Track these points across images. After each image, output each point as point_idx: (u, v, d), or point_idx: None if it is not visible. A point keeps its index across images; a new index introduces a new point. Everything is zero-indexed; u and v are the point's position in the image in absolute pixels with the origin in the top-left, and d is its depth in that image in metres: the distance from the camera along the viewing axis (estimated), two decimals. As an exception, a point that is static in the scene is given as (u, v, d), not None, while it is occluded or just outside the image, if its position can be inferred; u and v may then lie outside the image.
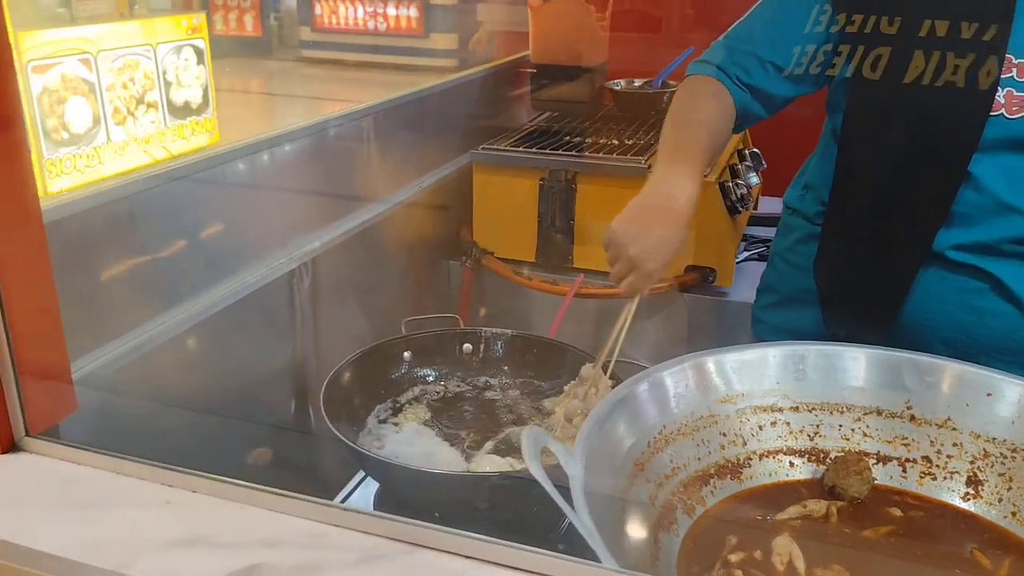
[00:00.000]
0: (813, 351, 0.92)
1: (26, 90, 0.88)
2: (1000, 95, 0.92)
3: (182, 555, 0.53)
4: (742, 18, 1.12)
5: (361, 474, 1.08)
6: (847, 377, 0.92)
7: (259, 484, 0.59)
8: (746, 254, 1.66)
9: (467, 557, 0.52)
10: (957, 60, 0.91)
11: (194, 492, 0.60)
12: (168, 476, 0.62)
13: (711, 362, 0.89)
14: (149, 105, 1.06)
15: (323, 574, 0.51)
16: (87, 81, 0.96)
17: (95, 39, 0.98)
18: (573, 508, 0.65)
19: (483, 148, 1.68)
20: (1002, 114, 0.92)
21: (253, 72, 2.14)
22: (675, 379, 0.87)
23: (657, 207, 1.00)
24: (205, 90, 1.15)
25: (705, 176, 1.04)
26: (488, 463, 1.04)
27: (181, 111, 1.12)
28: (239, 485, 0.58)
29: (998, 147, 0.93)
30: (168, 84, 1.09)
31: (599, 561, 0.58)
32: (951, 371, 0.89)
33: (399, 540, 0.53)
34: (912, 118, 0.96)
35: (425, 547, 0.53)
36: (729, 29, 1.12)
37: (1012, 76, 0.91)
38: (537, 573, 0.52)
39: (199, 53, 1.15)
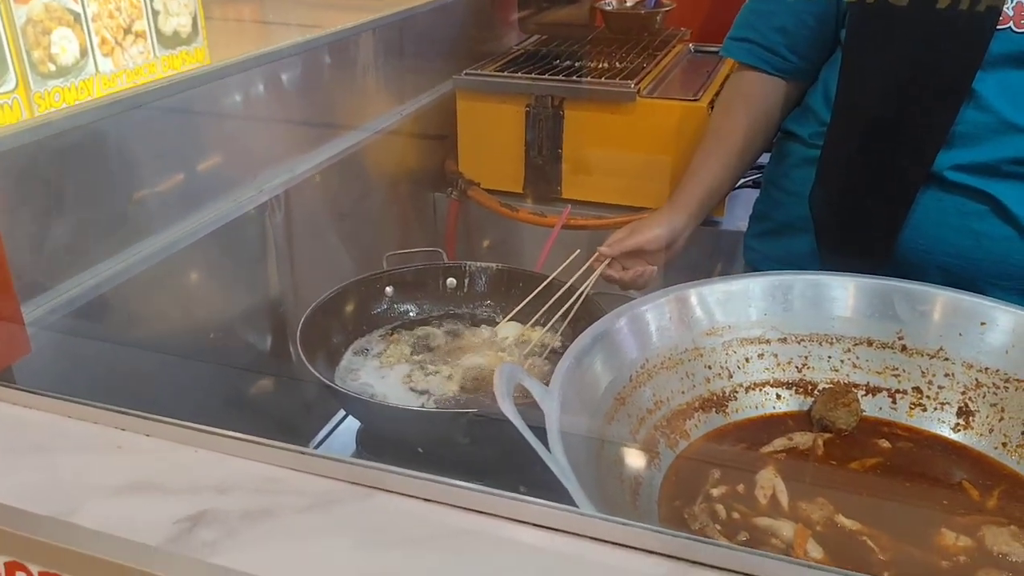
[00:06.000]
0: (801, 281, 0.89)
1: (9, 21, 0.84)
2: (1009, 7, 0.86)
3: (128, 501, 0.51)
4: None
5: (342, 412, 1.07)
6: (837, 307, 0.89)
7: (236, 427, 0.57)
8: (741, 181, 1.60)
9: (427, 500, 0.50)
10: None
11: (148, 436, 0.58)
12: (121, 420, 0.59)
13: (694, 294, 0.87)
14: (137, 35, 1.02)
15: (273, 520, 0.49)
16: (71, 11, 0.92)
17: (77, -35, 0.93)
18: (548, 446, 0.63)
19: (466, 73, 1.62)
20: (1010, 27, 0.87)
21: (246, -1, 2.08)
22: (657, 312, 0.85)
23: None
24: (194, 18, 1.10)
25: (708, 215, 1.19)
26: (511, 329, 1.09)
27: (170, 41, 1.07)
28: (193, 429, 0.56)
29: (1004, 63, 0.88)
30: (156, 13, 1.04)
31: (574, 500, 0.56)
32: (944, 300, 0.87)
33: (356, 483, 0.51)
34: (915, 31, 0.91)
35: (383, 490, 0.51)
36: None
37: None
38: (502, 516, 0.50)
39: (187, -21, 1.09)
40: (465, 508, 0.50)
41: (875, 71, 0.96)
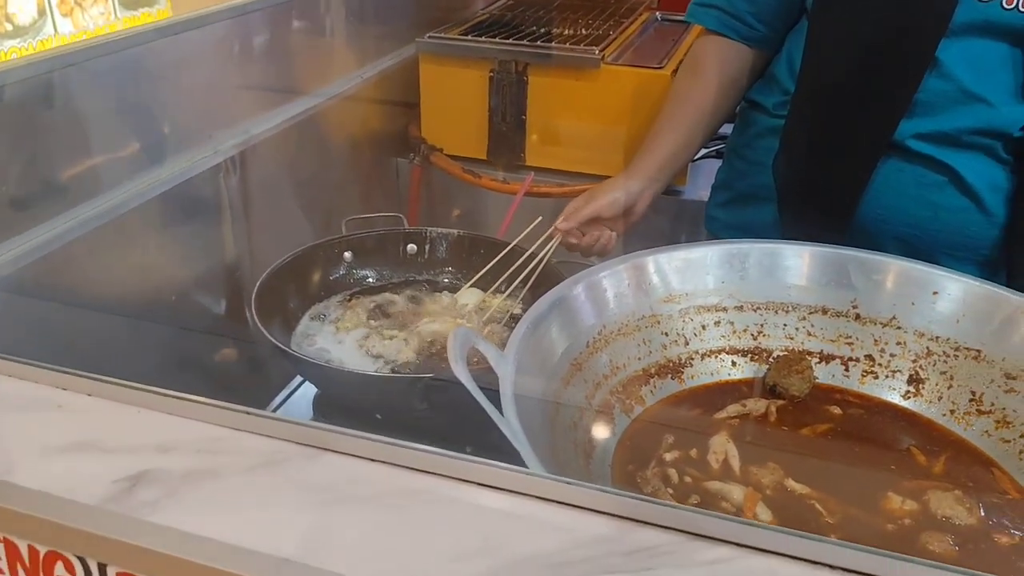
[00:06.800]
0: (758, 249, 0.89)
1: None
2: None
3: (68, 461, 0.50)
4: None
5: (299, 378, 1.06)
6: (793, 276, 0.90)
7: (189, 393, 0.55)
8: (703, 151, 1.60)
9: (373, 460, 0.49)
10: None
11: (89, 396, 0.56)
12: (62, 379, 0.57)
13: (651, 262, 0.87)
14: (98, -5, 0.99)
15: (217, 480, 0.48)
16: (29, -31, 0.88)
17: (38, -76, 0.90)
18: (501, 410, 0.63)
19: (430, 36, 1.59)
20: None
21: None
22: (614, 279, 0.84)
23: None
24: (157, -22, 1.07)
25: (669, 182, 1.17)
26: (471, 296, 1.08)
27: (132, 1, 1.04)
28: (135, 388, 0.55)
29: (967, 32, 0.89)
30: (116, -28, 1.01)
31: (526, 465, 0.56)
32: (897, 269, 0.88)
33: (303, 444, 0.50)
34: None
35: (330, 451, 0.50)
36: None
37: None
38: (451, 477, 0.50)
39: (149, -63, 1.06)
40: (412, 468, 0.49)
41: (840, 39, 0.96)
